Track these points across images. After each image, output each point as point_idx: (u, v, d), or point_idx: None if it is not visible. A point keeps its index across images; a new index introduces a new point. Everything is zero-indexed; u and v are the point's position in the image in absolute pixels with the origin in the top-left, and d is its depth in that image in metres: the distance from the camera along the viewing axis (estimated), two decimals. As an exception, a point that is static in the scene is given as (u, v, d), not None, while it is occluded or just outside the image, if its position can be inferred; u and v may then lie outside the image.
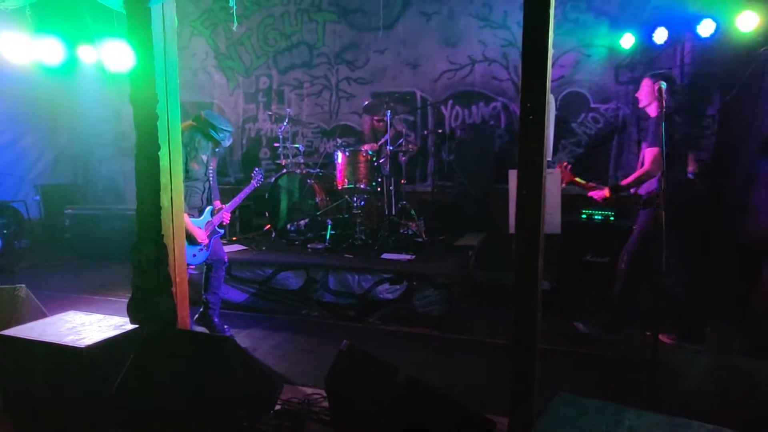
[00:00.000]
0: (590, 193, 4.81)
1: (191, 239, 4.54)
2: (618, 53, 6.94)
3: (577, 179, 4.70)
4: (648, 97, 4.69)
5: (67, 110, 9.55)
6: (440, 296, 5.17)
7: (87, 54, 8.27)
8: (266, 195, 7.01)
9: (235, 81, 9.10)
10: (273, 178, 7.09)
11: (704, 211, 5.04)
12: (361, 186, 6.33)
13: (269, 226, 7.17)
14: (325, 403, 3.41)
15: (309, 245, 6.49)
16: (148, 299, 3.44)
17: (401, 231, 6.61)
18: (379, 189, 6.47)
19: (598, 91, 7.26)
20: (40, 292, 4.41)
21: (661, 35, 6.43)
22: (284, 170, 7.08)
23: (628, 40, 6.69)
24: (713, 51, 6.42)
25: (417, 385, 2.68)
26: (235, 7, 5.15)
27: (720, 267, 5.42)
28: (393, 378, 2.72)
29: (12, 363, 3.37)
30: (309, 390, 3.71)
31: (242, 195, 5.24)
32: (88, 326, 3.51)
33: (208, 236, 4.81)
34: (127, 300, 3.54)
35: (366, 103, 7.17)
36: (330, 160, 7.43)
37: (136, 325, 3.48)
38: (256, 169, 5.48)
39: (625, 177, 4.82)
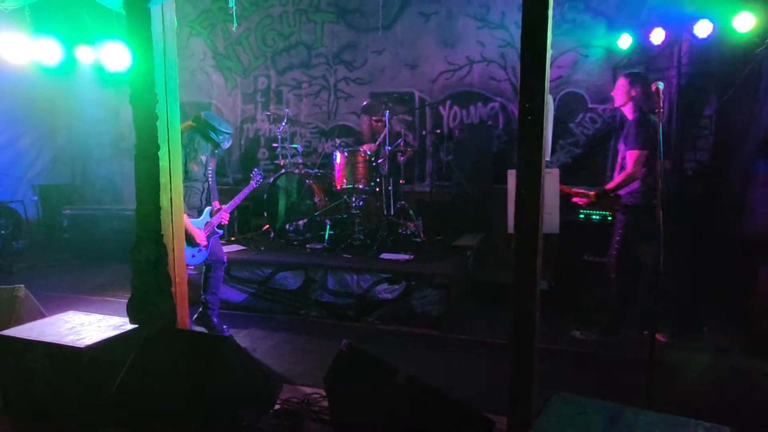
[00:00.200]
0: (574, 199, 4.82)
1: (190, 240, 4.55)
2: (615, 54, 6.95)
3: (562, 186, 4.67)
4: (623, 96, 4.67)
5: (66, 111, 9.54)
6: (439, 296, 5.18)
7: (85, 54, 8.27)
8: (265, 195, 7.01)
9: (234, 81, 9.10)
10: (271, 179, 7.10)
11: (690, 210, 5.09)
12: (360, 186, 6.34)
13: (268, 226, 7.17)
14: (325, 403, 3.42)
15: (308, 245, 6.49)
16: (148, 299, 3.45)
17: (400, 231, 6.62)
18: (377, 189, 6.48)
19: (596, 92, 7.27)
20: (38, 293, 4.41)
21: (658, 36, 6.44)
22: (283, 170, 7.08)
23: (625, 41, 6.70)
24: (710, 51, 6.44)
25: (416, 385, 2.69)
26: (234, 8, 5.14)
27: (718, 267, 5.43)
28: (393, 377, 2.73)
29: (11, 363, 3.38)
30: (308, 390, 3.71)
31: (241, 195, 5.24)
32: (88, 326, 3.52)
33: (207, 237, 4.81)
34: (125, 300, 3.55)
35: (364, 103, 7.18)
36: (328, 160, 7.44)
37: (136, 325, 3.49)
38: (255, 169, 5.48)
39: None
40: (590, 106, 7.33)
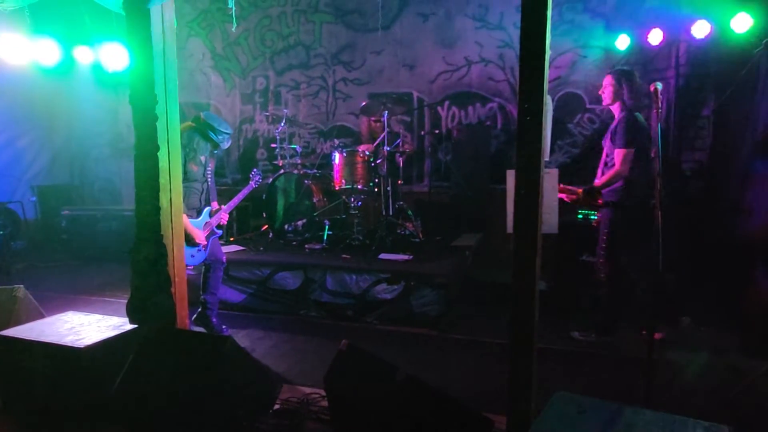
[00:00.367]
0: (560, 195, 4.80)
1: (189, 240, 4.55)
2: (614, 54, 6.96)
3: None
4: (612, 95, 4.67)
5: (64, 111, 9.52)
6: (437, 296, 5.19)
7: (84, 55, 8.28)
8: (264, 196, 7.02)
9: (232, 82, 9.10)
10: (270, 179, 7.10)
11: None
12: (359, 186, 6.35)
13: (267, 226, 7.17)
14: (324, 403, 3.43)
15: (306, 246, 6.50)
16: (148, 299, 3.45)
17: (398, 231, 6.62)
18: (376, 189, 6.49)
19: (594, 92, 7.23)
20: (37, 293, 4.41)
21: (656, 36, 6.46)
22: (281, 171, 7.09)
23: (623, 42, 6.72)
24: (708, 52, 6.46)
25: (416, 384, 2.70)
26: (234, 9, 5.15)
27: (716, 266, 5.45)
28: (392, 377, 2.73)
29: (11, 363, 3.38)
30: (308, 389, 3.71)
31: (240, 196, 5.25)
32: (87, 326, 3.52)
33: (206, 237, 4.82)
34: (125, 300, 3.55)
35: (363, 104, 7.19)
36: (327, 160, 7.45)
37: (135, 325, 3.49)
38: (255, 170, 5.49)
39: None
40: (588, 106, 7.34)
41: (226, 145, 4.96)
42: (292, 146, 7.38)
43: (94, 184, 9.98)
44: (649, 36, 6.50)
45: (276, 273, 5.71)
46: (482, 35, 7.72)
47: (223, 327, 4.95)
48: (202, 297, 4.91)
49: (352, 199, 6.55)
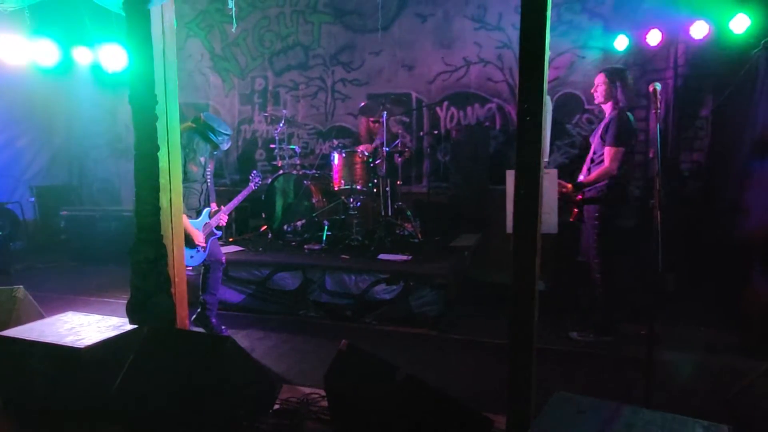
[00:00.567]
0: None
1: (189, 241, 4.55)
2: (612, 55, 6.97)
3: None
4: (605, 94, 4.68)
5: (63, 112, 9.53)
6: (437, 296, 5.19)
7: (82, 56, 8.28)
8: (263, 196, 7.02)
9: (231, 82, 9.11)
10: (269, 180, 7.10)
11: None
12: (358, 187, 6.35)
13: (266, 227, 7.18)
14: (324, 403, 3.43)
15: (305, 246, 6.50)
16: (148, 299, 3.45)
17: (397, 232, 6.63)
18: (375, 190, 6.50)
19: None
20: (36, 294, 4.41)
21: (654, 37, 6.47)
22: (280, 171, 7.09)
23: (622, 42, 6.73)
24: (707, 53, 6.47)
25: (416, 384, 2.70)
26: (234, 9, 5.15)
27: (714, 267, 5.47)
28: (392, 377, 2.74)
29: (11, 364, 3.38)
30: (307, 389, 3.72)
31: (240, 197, 5.26)
32: (87, 327, 3.52)
33: (205, 238, 4.82)
34: (124, 301, 3.56)
35: (362, 104, 7.19)
36: (326, 161, 7.45)
37: (135, 326, 3.50)
38: (254, 172, 5.49)
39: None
40: (587, 107, 7.35)
41: (225, 146, 4.96)
42: (291, 147, 7.38)
43: (93, 185, 9.98)
44: (647, 36, 6.51)
45: (275, 273, 5.71)
46: (481, 36, 7.73)
47: (223, 327, 4.95)
48: (201, 297, 4.92)
49: (351, 200, 6.56)
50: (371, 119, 7.36)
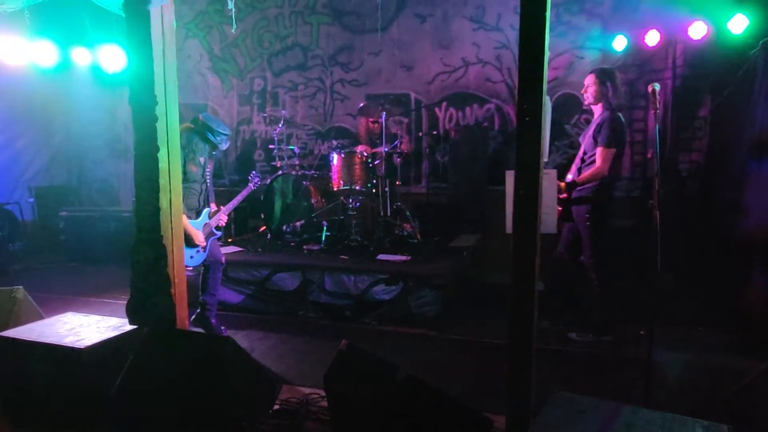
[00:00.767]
0: None
1: (189, 241, 4.55)
2: (611, 55, 6.97)
3: None
4: (596, 95, 4.69)
5: (62, 112, 9.51)
6: (436, 297, 5.20)
7: (81, 56, 8.28)
8: (262, 197, 7.01)
9: (230, 83, 9.10)
10: (268, 180, 7.10)
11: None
12: (357, 187, 6.36)
13: (265, 227, 7.17)
14: (324, 403, 3.43)
15: (304, 246, 6.50)
16: (147, 300, 3.46)
17: (396, 232, 6.63)
18: (374, 190, 6.50)
19: (592, 93, 7.30)
20: (35, 294, 4.42)
21: (653, 38, 6.48)
22: (279, 172, 7.09)
23: (620, 43, 6.73)
24: (705, 53, 6.48)
25: (416, 384, 2.71)
26: (234, 10, 5.15)
27: (713, 266, 5.47)
28: (392, 377, 2.74)
29: (11, 364, 3.38)
30: (307, 390, 3.72)
31: (239, 198, 5.27)
32: (87, 327, 3.53)
33: (205, 238, 4.82)
34: (123, 302, 3.56)
35: (361, 105, 7.19)
36: (325, 161, 7.45)
37: (135, 326, 3.50)
38: (254, 172, 5.50)
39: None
40: (585, 107, 7.34)
41: (224, 146, 4.97)
42: (290, 147, 7.38)
43: (92, 185, 9.96)
44: (646, 37, 6.52)
45: (274, 274, 5.71)
46: (480, 36, 7.72)
47: (222, 328, 4.96)
48: (201, 298, 4.92)
49: (350, 200, 6.56)
50: (370, 120, 7.37)
